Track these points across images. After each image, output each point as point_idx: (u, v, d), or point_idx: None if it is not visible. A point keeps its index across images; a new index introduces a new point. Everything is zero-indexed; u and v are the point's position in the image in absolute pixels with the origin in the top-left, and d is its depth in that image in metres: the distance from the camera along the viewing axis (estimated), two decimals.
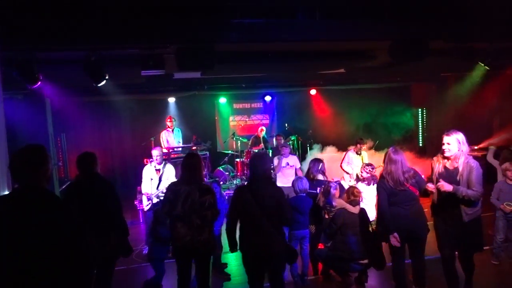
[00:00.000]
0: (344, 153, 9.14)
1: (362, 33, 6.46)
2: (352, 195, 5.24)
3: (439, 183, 4.29)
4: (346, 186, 6.33)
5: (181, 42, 6.17)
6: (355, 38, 6.73)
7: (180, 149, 10.43)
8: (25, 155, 2.59)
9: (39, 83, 6.85)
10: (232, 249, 4.35)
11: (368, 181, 7.36)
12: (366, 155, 8.91)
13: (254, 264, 4.19)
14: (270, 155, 8.54)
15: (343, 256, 5.08)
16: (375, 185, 7.56)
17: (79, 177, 4.51)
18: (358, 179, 8.14)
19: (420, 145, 13.35)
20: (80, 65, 6.45)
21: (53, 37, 5.45)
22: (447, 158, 4.45)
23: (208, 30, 5.93)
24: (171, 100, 12.64)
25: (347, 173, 8.64)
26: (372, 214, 6.97)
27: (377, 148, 10.68)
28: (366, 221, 5.21)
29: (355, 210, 5.15)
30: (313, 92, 13.11)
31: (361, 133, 11.08)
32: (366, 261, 5.12)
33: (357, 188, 5.47)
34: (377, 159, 9.24)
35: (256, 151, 10.73)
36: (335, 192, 5.42)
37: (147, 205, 6.91)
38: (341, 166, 8.79)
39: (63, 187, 9.53)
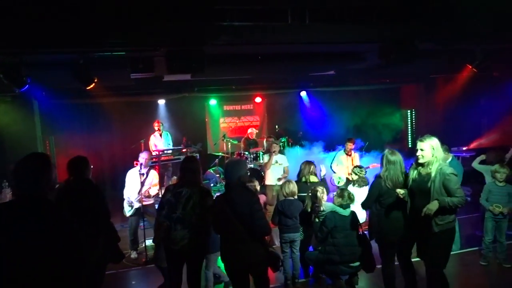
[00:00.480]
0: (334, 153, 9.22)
1: (351, 35, 6.48)
2: (342, 197, 5.24)
3: (426, 211, 4.08)
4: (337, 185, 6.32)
5: (171, 45, 6.15)
6: (345, 40, 6.77)
7: (170, 151, 10.37)
8: (27, 164, 2.58)
9: (27, 86, 6.77)
10: None
11: (358, 183, 7.39)
12: (357, 156, 8.95)
13: (234, 273, 4.16)
14: (266, 158, 8.57)
15: (334, 259, 5.09)
16: (366, 187, 7.61)
17: (70, 182, 4.38)
18: (348, 181, 8.18)
19: (410, 146, 13.41)
20: (69, 68, 6.40)
21: (40, 40, 5.40)
22: (421, 164, 4.31)
23: (197, 33, 5.90)
24: (161, 102, 12.57)
25: (335, 172, 8.75)
26: (362, 217, 7.00)
27: (367, 149, 10.71)
28: (356, 224, 5.22)
29: (345, 212, 5.16)
30: (303, 93, 13.13)
31: (351, 134, 11.10)
32: (356, 263, 5.15)
33: (348, 191, 5.47)
34: (367, 160, 9.31)
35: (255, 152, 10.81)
36: (323, 195, 5.41)
37: (129, 210, 6.86)
38: (331, 167, 8.85)
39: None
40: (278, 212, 5.45)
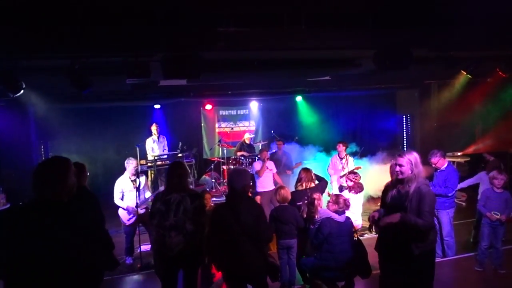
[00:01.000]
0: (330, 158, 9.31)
1: (347, 42, 6.49)
2: (338, 204, 5.24)
3: (381, 222, 3.95)
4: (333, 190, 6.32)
5: (166, 50, 6.14)
6: (340, 46, 6.79)
7: (166, 156, 10.36)
8: (46, 168, 2.57)
9: (22, 91, 6.74)
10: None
11: (354, 189, 7.40)
12: (352, 160, 8.98)
13: (233, 282, 4.16)
14: (258, 166, 8.59)
15: (329, 265, 5.08)
16: (361, 193, 7.63)
17: None
18: (342, 188, 8.19)
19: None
20: (65, 73, 6.37)
21: (35, 45, 5.37)
22: (401, 181, 4.04)
23: (193, 38, 5.90)
24: (157, 106, 12.56)
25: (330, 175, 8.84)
26: (358, 223, 7.01)
27: (362, 154, 10.74)
28: (352, 230, 5.22)
29: (341, 219, 5.16)
30: (299, 98, 13.16)
31: (347, 139, 11.12)
32: (352, 269, 5.14)
33: (343, 197, 5.47)
34: (361, 164, 9.33)
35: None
36: (319, 202, 5.41)
37: (129, 219, 6.82)
38: (328, 171, 8.95)
39: None
40: (273, 219, 5.44)
